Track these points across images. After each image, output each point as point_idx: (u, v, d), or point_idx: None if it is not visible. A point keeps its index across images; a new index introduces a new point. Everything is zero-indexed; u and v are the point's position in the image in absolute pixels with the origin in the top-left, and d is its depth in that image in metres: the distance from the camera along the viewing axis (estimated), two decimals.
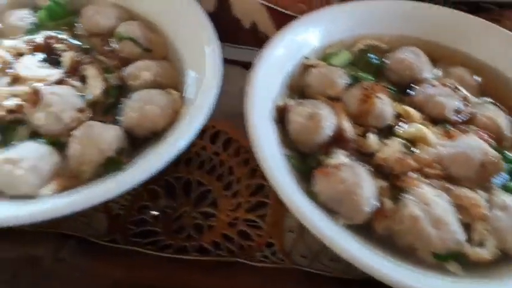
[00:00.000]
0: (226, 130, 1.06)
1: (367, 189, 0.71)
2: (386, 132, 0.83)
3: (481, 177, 0.75)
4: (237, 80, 1.12)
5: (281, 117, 0.85)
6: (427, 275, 0.65)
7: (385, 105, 0.83)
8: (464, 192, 0.73)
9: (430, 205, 0.68)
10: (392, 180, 0.74)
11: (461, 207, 0.71)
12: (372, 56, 0.97)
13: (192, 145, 1.01)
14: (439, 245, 0.67)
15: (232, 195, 0.94)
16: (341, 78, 0.90)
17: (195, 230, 0.88)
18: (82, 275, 0.73)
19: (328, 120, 0.80)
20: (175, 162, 0.97)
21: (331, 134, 0.80)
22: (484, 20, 1.01)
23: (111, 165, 0.76)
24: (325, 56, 0.97)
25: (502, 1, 1.24)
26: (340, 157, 0.75)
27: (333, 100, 0.87)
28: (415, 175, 0.74)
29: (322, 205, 0.72)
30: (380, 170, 0.76)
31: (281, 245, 0.86)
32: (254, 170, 0.97)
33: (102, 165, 0.76)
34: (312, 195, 0.73)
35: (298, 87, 0.92)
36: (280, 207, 0.91)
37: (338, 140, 0.79)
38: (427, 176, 0.75)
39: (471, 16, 1.02)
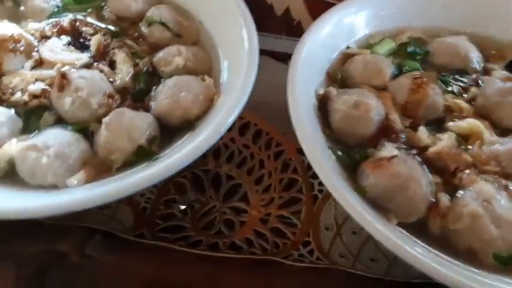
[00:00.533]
0: (255, 121, 1.01)
1: (424, 185, 0.65)
2: (436, 125, 0.77)
3: None
4: (266, 70, 1.08)
5: (323, 106, 0.79)
6: (489, 278, 0.59)
7: (437, 96, 0.78)
8: None
9: (491, 202, 0.62)
10: (447, 177, 0.69)
11: None
12: (416, 47, 0.91)
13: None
14: (501, 245, 0.61)
15: (263, 190, 0.89)
16: (388, 67, 0.84)
17: (225, 226, 0.83)
18: (112, 272, 0.68)
19: (376, 110, 0.74)
20: (203, 154, 0.93)
21: (379, 125, 0.74)
22: None
23: (143, 154, 0.71)
24: (368, 45, 0.92)
25: None
26: (391, 149, 0.69)
27: (378, 90, 0.81)
28: (473, 171, 0.68)
29: (371, 201, 0.66)
30: (432, 166, 0.70)
31: (318, 244, 0.81)
32: (286, 163, 0.93)
33: (133, 154, 0.71)
34: (359, 190, 0.67)
35: (339, 77, 0.86)
36: (315, 204, 0.86)
37: (386, 132, 0.73)
38: (483, 173, 0.69)
39: None
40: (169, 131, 0.77)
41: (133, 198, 0.85)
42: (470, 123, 0.75)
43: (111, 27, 0.93)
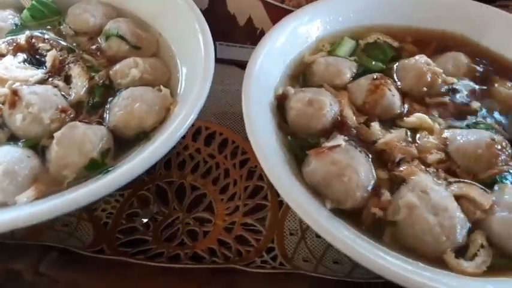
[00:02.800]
0: (221, 131, 1.01)
1: (361, 174, 0.67)
2: (390, 123, 0.78)
3: (486, 163, 0.70)
4: (233, 80, 1.08)
5: (281, 105, 0.80)
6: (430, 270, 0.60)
7: (395, 97, 0.80)
8: (467, 184, 0.69)
9: (428, 192, 0.64)
10: (392, 168, 0.70)
11: (462, 200, 0.67)
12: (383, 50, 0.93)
13: (185, 148, 0.96)
14: (440, 232, 0.61)
15: (228, 198, 0.88)
16: (348, 68, 0.87)
17: (189, 237, 0.82)
18: None
19: (329, 107, 0.76)
20: (167, 166, 0.93)
21: (332, 121, 0.76)
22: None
23: (95, 167, 0.70)
24: (330, 46, 0.93)
25: None
26: (339, 140, 0.71)
27: (338, 89, 0.83)
28: (415, 163, 0.70)
29: (313, 187, 0.68)
30: (381, 159, 0.72)
31: (282, 249, 0.80)
32: (252, 171, 0.92)
33: (85, 167, 0.70)
34: (304, 175, 0.69)
35: (302, 78, 0.88)
36: (280, 209, 0.85)
37: (339, 127, 0.75)
38: (427, 164, 0.71)
39: (480, 4, 0.96)
40: (125, 143, 0.76)
41: (94, 214, 0.84)
42: (419, 117, 0.77)
43: (69, 43, 0.92)
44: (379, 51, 0.93)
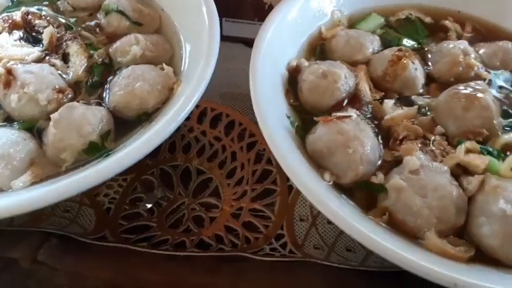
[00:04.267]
0: (228, 112, 0.96)
1: (367, 148, 0.63)
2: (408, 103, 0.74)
3: None
4: (240, 59, 1.03)
5: (293, 79, 0.77)
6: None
7: (415, 71, 0.75)
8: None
9: (418, 173, 0.60)
10: (393, 146, 0.67)
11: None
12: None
13: (190, 130, 0.92)
14: (429, 214, 0.58)
15: (236, 183, 0.84)
16: (370, 42, 0.82)
17: (194, 223, 0.79)
18: (64, 278, 0.63)
19: (343, 80, 0.73)
20: (172, 149, 0.89)
21: (346, 95, 0.73)
22: None
23: (95, 151, 0.67)
24: (353, 21, 0.89)
25: None
26: (350, 112, 0.68)
27: (356, 64, 0.79)
28: (418, 141, 0.66)
29: (314, 156, 0.65)
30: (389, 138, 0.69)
31: (292, 236, 0.76)
32: (260, 154, 0.88)
33: (84, 151, 0.66)
34: (307, 143, 0.67)
35: (319, 51, 0.84)
36: (290, 194, 0.81)
37: (353, 101, 0.72)
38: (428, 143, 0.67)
39: None
40: (126, 124, 0.72)
41: (96, 199, 0.80)
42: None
43: (68, 19, 0.88)
44: (411, 28, 0.89)
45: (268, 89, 0.72)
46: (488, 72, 0.78)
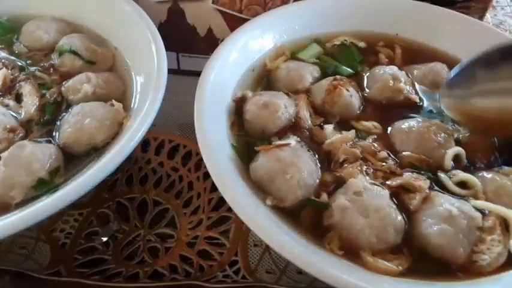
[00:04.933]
0: (185, 143, 0.99)
1: (304, 174, 0.67)
2: (348, 126, 0.78)
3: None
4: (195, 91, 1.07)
5: (240, 109, 0.81)
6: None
7: (352, 98, 0.81)
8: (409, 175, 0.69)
9: (361, 194, 0.64)
10: (334, 168, 0.70)
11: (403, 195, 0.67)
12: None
13: (147, 162, 0.94)
14: (370, 233, 0.61)
15: (192, 212, 0.86)
16: (310, 73, 0.87)
17: (150, 254, 0.80)
18: None
19: (283, 109, 0.77)
20: (129, 182, 0.91)
21: (287, 123, 0.77)
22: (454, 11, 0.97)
23: (43, 187, 0.68)
24: (294, 50, 0.94)
25: None
26: (290, 139, 0.71)
27: (299, 93, 0.84)
28: (357, 164, 0.69)
29: (257, 183, 0.68)
30: (330, 161, 0.72)
31: (245, 262, 0.78)
32: None
33: (33, 187, 0.68)
34: (250, 170, 0.70)
35: (265, 82, 0.89)
36: None
37: (293, 128, 0.76)
38: (369, 165, 0.71)
39: (441, 8, 0.97)
40: (76, 159, 0.74)
41: (52, 235, 0.81)
42: (375, 124, 0.79)
43: (23, 61, 0.90)
44: (347, 53, 0.94)
45: (214, 119, 0.75)
46: (417, 95, 0.84)
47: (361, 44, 0.95)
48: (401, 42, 0.95)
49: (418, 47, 0.95)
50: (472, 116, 0.74)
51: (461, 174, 0.69)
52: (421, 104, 0.83)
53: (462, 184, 0.69)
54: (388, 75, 0.83)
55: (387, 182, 0.68)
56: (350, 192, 0.64)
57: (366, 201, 0.63)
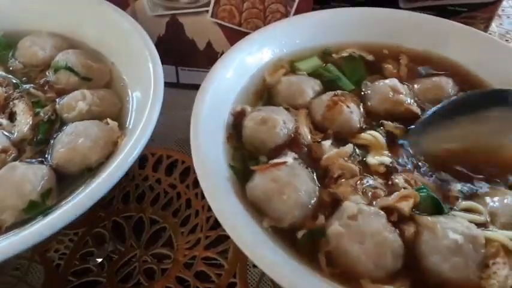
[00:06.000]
0: (183, 159, 0.97)
1: (302, 193, 0.65)
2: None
3: None
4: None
5: (239, 124, 0.79)
6: None
7: (353, 114, 0.78)
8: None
9: (357, 218, 0.61)
10: (328, 184, 0.68)
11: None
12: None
13: (144, 179, 0.93)
14: (365, 261, 0.58)
15: (189, 231, 0.85)
16: (311, 87, 0.85)
17: (145, 276, 0.78)
18: None
19: (282, 125, 0.75)
20: (125, 199, 0.89)
21: (286, 139, 0.75)
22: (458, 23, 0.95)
23: (34, 210, 0.66)
24: (292, 62, 0.92)
25: (471, 2, 1.18)
26: (287, 157, 0.69)
27: (299, 108, 0.82)
28: (353, 180, 0.67)
29: (254, 203, 0.66)
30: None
31: (244, 284, 0.76)
32: None
33: (24, 210, 0.66)
34: (246, 191, 0.68)
35: (266, 96, 0.87)
36: None
37: (292, 145, 0.74)
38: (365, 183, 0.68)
39: (446, 20, 0.95)
40: (69, 180, 0.72)
41: (46, 255, 0.80)
42: (374, 134, 0.76)
43: (18, 77, 0.89)
44: (353, 67, 0.92)
45: (210, 137, 0.73)
46: (420, 107, 0.81)
47: (370, 57, 0.93)
48: (408, 54, 0.93)
49: (426, 59, 0.93)
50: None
51: (465, 203, 0.66)
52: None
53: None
54: (387, 87, 0.81)
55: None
56: (344, 217, 0.61)
57: (361, 225, 0.60)
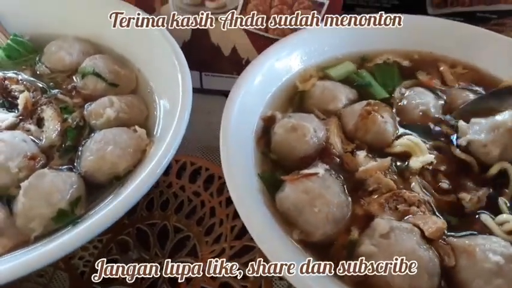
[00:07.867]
0: (207, 166, 0.96)
1: (333, 207, 0.63)
2: (381, 152, 0.75)
3: None
4: (219, 111, 1.04)
5: (268, 128, 0.78)
6: None
7: (385, 124, 0.76)
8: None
9: (389, 236, 0.59)
10: (361, 196, 0.67)
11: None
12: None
13: (168, 186, 0.92)
14: (399, 283, 0.56)
15: (214, 240, 0.84)
16: (345, 95, 0.84)
17: (170, 286, 0.77)
18: None
19: (312, 133, 0.73)
20: (149, 207, 0.88)
21: (316, 148, 0.73)
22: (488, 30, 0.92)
23: (63, 219, 0.66)
24: (323, 69, 0.91)
25: (501, 10, 1.16)
26: (318, 168, 0.67)
27: (330, 116, 0.81)
28: (386, 196, 0.66)
29: (284, 214, 0.65)
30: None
31: None
32: None
33: (53, 219, 0.66)
34: (276, 201, 0.67)
35: (298, 100, 0.86)
36: None
37: (323, 155, 0.73)
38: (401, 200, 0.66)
39: (475, 27, 0.92)
40: (97, 188, 0.72)
41: (71, 262, 0.79)
42: (412, 139, 0.74)
43: (45, 82, 0.89)
44: (386, 73, 0.90)
45: (240, 147, 0.72)
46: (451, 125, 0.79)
47: (405, 63, 0.91)
48: (446, 61, 0.92)
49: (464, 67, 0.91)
50: None
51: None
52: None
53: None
54: (417, 103, 0.81)
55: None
56: (376, 235, 0.60)
57: (394, 245, 0.58)
